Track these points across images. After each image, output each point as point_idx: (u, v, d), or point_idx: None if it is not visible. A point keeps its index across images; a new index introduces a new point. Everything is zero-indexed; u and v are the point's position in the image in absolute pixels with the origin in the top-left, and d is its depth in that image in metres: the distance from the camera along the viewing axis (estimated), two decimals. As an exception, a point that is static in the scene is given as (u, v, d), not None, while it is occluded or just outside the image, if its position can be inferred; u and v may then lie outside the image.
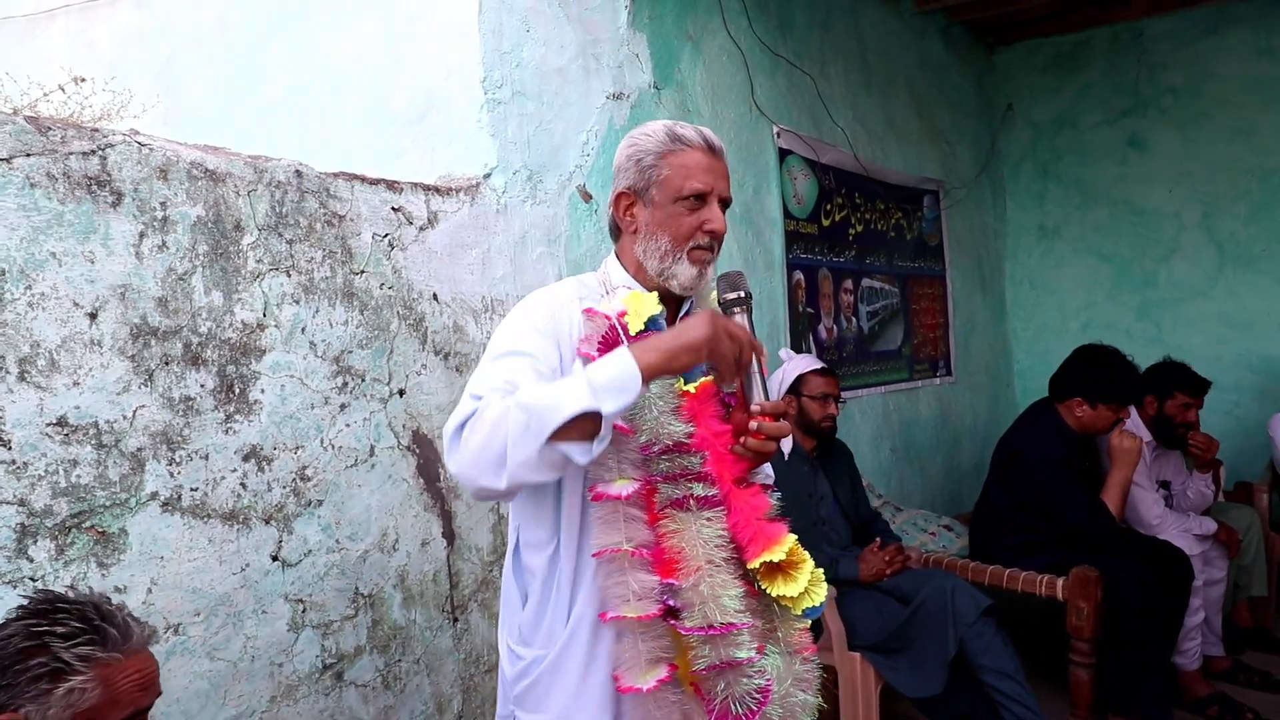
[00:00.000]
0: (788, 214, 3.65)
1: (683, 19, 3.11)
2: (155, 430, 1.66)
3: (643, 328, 1.35)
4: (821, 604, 1.39)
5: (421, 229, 2.21)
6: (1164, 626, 2.97)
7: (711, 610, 1.27)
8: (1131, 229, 5.11)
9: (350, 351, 2.03)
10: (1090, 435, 3.27)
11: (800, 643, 1.42)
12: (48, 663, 1.10)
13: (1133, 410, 3.42)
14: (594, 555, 1.32)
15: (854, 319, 4.12)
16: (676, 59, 3.08)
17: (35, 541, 1.48)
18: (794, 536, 1.36)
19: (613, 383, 1.19)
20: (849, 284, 4.10)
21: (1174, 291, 5.00)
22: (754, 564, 1.33)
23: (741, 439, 1.34)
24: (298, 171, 1.95)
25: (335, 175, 2.05)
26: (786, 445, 1.44)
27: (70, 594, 1.20)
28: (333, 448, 1.97)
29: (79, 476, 1.54)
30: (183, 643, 1.68)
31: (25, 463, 1.48)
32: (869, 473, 3.77)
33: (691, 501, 1.32)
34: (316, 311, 1.96)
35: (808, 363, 3.04)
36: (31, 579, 1.46)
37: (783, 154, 3.62)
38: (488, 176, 2.40)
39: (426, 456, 2.18)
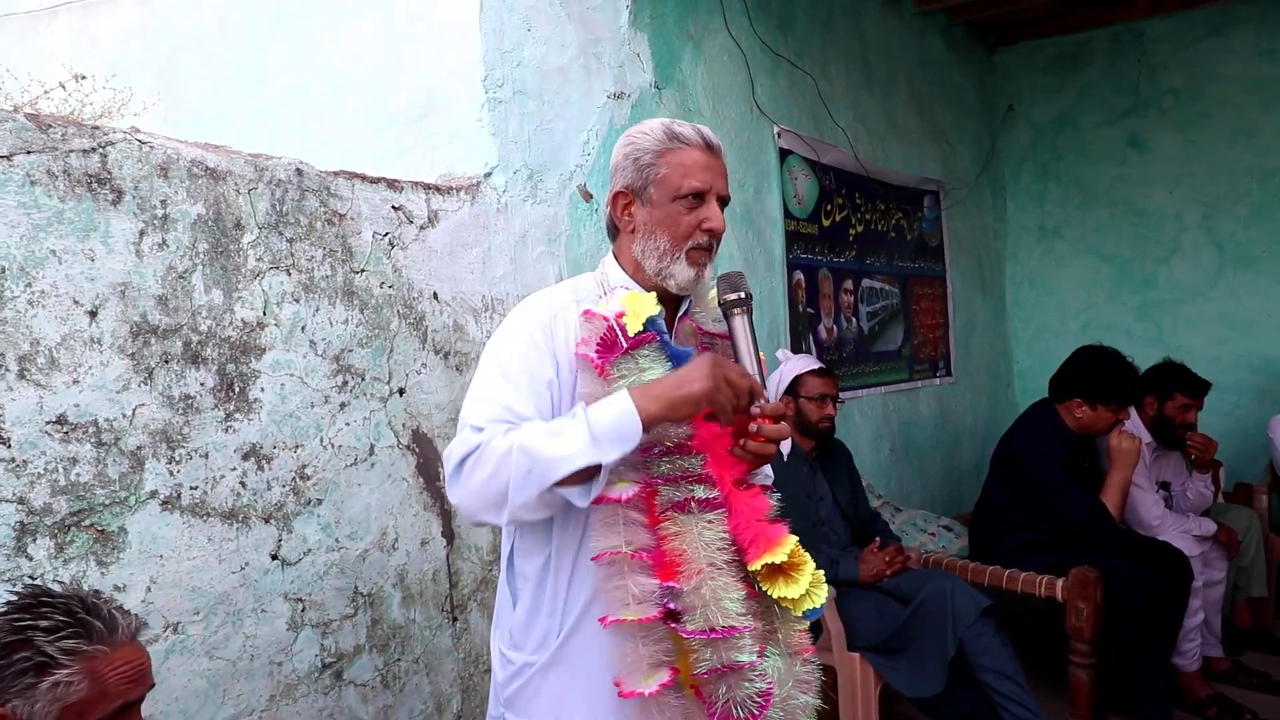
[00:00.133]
0: (788, 214, 3.65)
1: (684, 18, 3.11)
2: (155, 429, 1.66)
3: (641, 328, 1.35)
4: (822, 605, 1.39)
5: (422, 228, 2.21)
6: (1164, 627, 2.97)
7: (713, 613, 1.27)
8: (1132, 230, 5.11)
9: (350, 350, 2.03)
10: (1090, 436, 3.27)
11: (800, 644, 1.42)
12: (31, 657, 1.10)
13: (1132, 411, 3.43)
14: (593, 559, 1.31)
15: (854, 319, 4.12)
16: (677, 58, 3.08)
17: (35, 540, 1.48)
18: (795, 538, 1.35)
19: (613, 431, 1.22)
20: (849, 284, 4.10)
21: (1174, 292, 5.00)
22: (755, 566, 1.32)
23: (741, 441, 1.33)
24: (298, 170, 1.95)
25: (336, 174, 2.05)
26: (785, 446, 1.43)
27: (55, 588, 1.20)
28: (332, 446, 1.97)
29: (78, 475, 1.54)
30: (182, 641, 1.67)
31: (25, 461, 1.48)
32: (868, 473, 3.77)
33: (693, 504, 1.31)
34: (317, 310, 1.96)
35: (805, 363, 3.04)
36: (31, 577, 1.46)
37: (783, 154, 3.62)
38: (488, 175, 2.40)
39: (426, 456, 2.18)
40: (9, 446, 1.46)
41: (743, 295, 1.40)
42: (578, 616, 1.37)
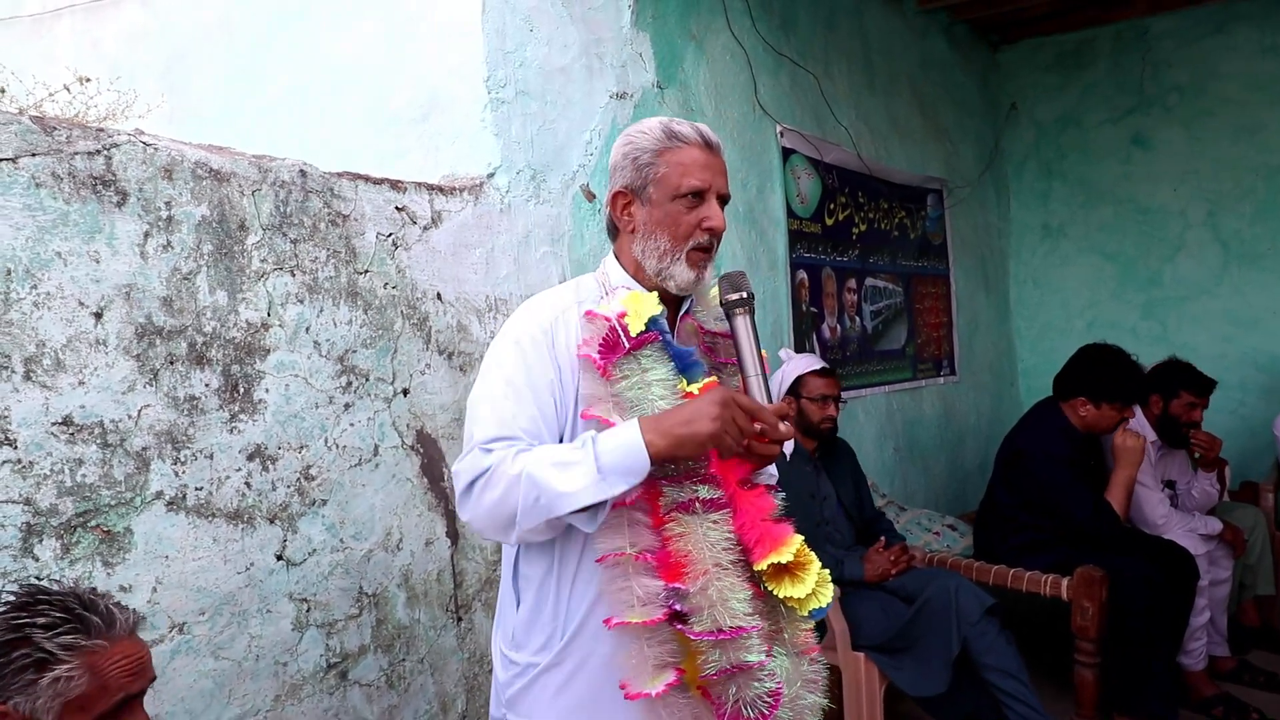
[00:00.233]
0: (791, 213, 3.65)
1: (686, 18, 3.11)
2: (160, 430, 1.66)
3: (643, 328, 1.35)
4: (828, 605, 1.38)
5: (425, 229, 2.21)
6: (1169, 626, 2.96)
7: (720, 614, 1.27)
8: (1136, 227, 5.10)
9: (354, 351, 2.03)
10: (1095, 435, 3.26)
11: (806, 643, 1.41)
12: (31, 653, 1.11)
13: (1138, 410, 3.42)
14: (597, 560, 1.31)
15: (857, 318, 4.12)
16: (680, 58, 3.08)
17: (41, 540, 1.49)
18: (801, 537, 1.35)
19: (621, 466, 1.24)
20: (852, 283, 4.09)
21: (1179, 290, 4.98)
22: (761, 565, 1.32)
23: (745, 442, 1.33)
24: (302, 171, 1.95)
25: (339, 175, 2.05)
26: (789, 446, 1.43)
27: (52, 586, 1.21)
28: (337, 447, 1.97)
29: (84, 476, 1.55)
30: (187, 642, 1.68)
31: (31, 462, 1.48)
32: (872, 472, 3.77)
33: (697, 504, 1.31)
34: (321, 311, 1.96)
35: (807, 363, 3.03)
36: (37, 578, 1.46)
37: (786, 153, 3.61)
38: (491, 176, 2.40)
39: (430, 456, 2.18)
40: (15, 448, 1.46)
41: (745, 295, 1.40)
42: (582, 618, 1.37)
